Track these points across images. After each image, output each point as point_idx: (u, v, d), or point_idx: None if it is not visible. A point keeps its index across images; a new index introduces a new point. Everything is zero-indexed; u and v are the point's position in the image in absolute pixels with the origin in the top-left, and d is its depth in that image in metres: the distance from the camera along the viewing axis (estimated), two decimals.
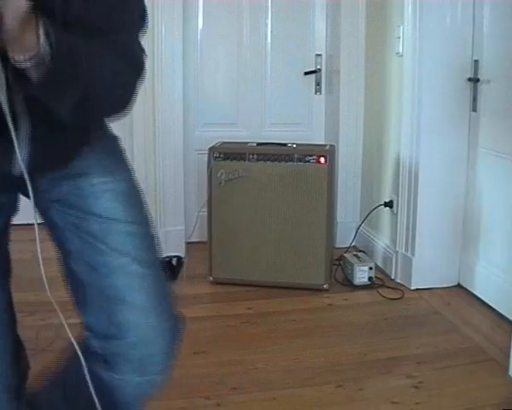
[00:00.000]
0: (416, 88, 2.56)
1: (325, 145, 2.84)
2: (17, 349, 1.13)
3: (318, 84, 3.37)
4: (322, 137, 3.39)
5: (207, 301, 2.59)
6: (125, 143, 3.56)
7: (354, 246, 3.12)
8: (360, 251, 2.95)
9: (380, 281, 2.72)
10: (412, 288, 2.65)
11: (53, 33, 0.82)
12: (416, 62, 2.54)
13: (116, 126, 3.92)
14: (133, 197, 1.13)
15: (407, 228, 2.69)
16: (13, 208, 1.12)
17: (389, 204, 2.84)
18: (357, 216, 3.27)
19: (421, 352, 2.10)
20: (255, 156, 2.60)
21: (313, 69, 3.34)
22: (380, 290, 2.63)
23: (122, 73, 0.97)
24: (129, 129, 3.47)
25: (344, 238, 3.14)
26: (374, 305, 2.52)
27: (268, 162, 2.59)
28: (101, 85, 0.94)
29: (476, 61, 2.48)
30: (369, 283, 2.67)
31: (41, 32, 0.80)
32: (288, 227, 2.60)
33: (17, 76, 0.83)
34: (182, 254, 3.00)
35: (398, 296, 2.58)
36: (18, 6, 0.75)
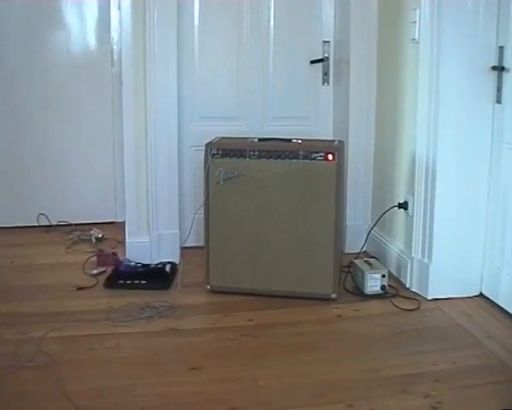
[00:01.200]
0: (434, 78, 2.54)
1: (333, 141, 2.82)
2: None
3: (326, 73, 3.35)
4: (330, 133, 3.37)
5: (204, 311, 2.57)
6: (113, 139, 3.59)
7: (365, 251, 3.10)
8: (372, 257, 2.94)
9: (393, 290, 2.71)
10: (429, 298, 2.63)
11: None
12: (433, 49, 2.52)
13: (103, 120, 3.93)
14: None
15: (423, 232, 2.67)
16: None
17: (403, 205, 2.82)
18: (368, 219, 3.26)
19: (440, 369, 2.08)
20: (256, 153, 2.58)
21: (320, 57, 3.32)
22: (393, 300, 2.61)
23: None
24: (118, 123, 3.49)
25: (354, 243, 3.13)
26: (387, 316, 2.50)
27: (271, 160, 2.57)
28: None
29: (501, 48, 2.46)
30: (381, 292, 2.65)
31: None
32: (292, 231, 2.59)
33: None
34: (176, 260, 2.99)
35: (414, 307, 2.56)
36: None
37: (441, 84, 2.52)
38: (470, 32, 2.49)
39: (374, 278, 2.66)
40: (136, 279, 2.77)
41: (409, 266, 2.75)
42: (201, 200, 2.68)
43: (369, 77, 3.15)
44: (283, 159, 2.56)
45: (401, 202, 2.84)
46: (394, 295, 2.66)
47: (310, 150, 2.55)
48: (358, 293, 2.69)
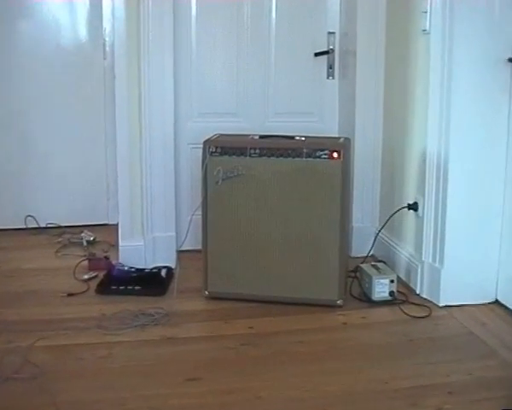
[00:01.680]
0: (446, 71, 2.53)
1: (339, 138, 2.82)
2: None
3: (331, 66, 3.35)
4: (335, 129, 3.38)
5: (202, 319, 2.57)
6: (105, 136, 3.59)
7: (373, 255, 3.10)
8: (380, 261, 2.94)
9: (403, 296, 2.71)
10: (441, 304, 2.63)
11: None
12: (445, 41, 2.52)
13: (95, 116, 3.92)
14: None
15: (434, 234, 2.66)
16: None
17: (413, 206, 2.82)
18: (375, 220, 3.26)
19: (453, 380, 2.07)
20: (257, 151, 2.58)
21: (325, 50, 3.32)
22: (403, 307, 2.60)
23: None
24: (110, 119, 3.48)
25: (361, 246, 3.12)
26: (396, 324, 2.50)
27: (272, 158, 2.57)
28: None
29: None
30: (390, 298, 2.65)
31: None
32: (295, 233, 2.58)
33: None
34: (172, 264, 2.99)
35: (425, 314, 2.56)
36: None
37: (454, 78, 2.51)
38: (485, 21, 2.48)
39: (382, 284, 2.65)
40: (130, 285, 2.77)
41: (419, 270, 2.74)
42: (199, 201, 2.67)
43: (376, 70, 3.15)
44: (286, 157, 2.56)
45: (411, 202, 2.84)
46: (404, 302, 2.65)
47: (314, 148, 2.54)
48: (365, 299, 2.68)
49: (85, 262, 3.08)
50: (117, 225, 3.13)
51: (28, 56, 3.63)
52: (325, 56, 3.33)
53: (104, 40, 3.72)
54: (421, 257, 2.74)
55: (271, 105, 3.34)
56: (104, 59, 3.73)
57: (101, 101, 3.74)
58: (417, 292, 2.75)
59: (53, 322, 2.45)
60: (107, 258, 3.09)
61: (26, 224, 3.68)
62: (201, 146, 2.63)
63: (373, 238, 3.06)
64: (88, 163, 3.80)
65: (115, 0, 2.91)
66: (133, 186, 3.03)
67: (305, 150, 2.55)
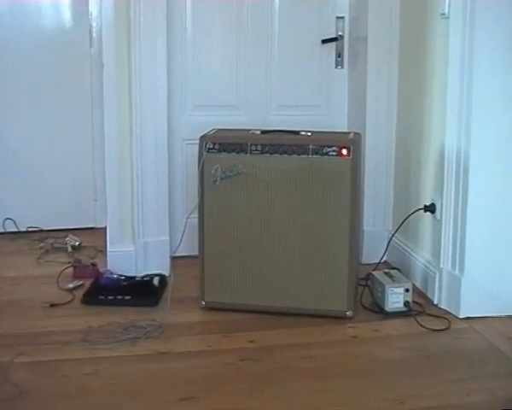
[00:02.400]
0: (467, 59, 2.53)
1: (348, 133, 2.82)
2: None
3: (339, 55, 3.35)
4: (344, 124, 3.38)
5: (198, 331, 2.57)
6: (92, 131, 3.58)
7: (385, 262, 3.10)
8: (393, 268, 2.93)
9: (419, 307, 2.70)
10: (461, 316, 2.63)
11: None
12: (465, 25, 2.52)
13: (81, 109, 3.91)
14: None
15: (454, 238, 2.66)
16: None
17: (430, 208, 2.82)
18: (389, 223, 3.26)
19: (474, 400, 2.07)
20: (259, 147, 2.58)
21: (333, 36, 3.32)
22: (419, 319, 2.60)
23: None
24: (98, 113, 3.48)
25: (372, 252, 3.12)
26: (411, 338, 2.49)
27: (275, 155, 2.57)
28: None
29: None
30: (404, 309, 2.65)
31: None
32: (300, 238, 2.58)
33: None
34: (166, 271, 2.99)
35: (443, 327, 2.56)
36: None
37: (475, 67, 2.51)
38: (510, 4, 2.47)
39: (396, 293, 2.65)
40: (120, 294, 2.76)
41: (437, 278, 2.74)
42: (195, 202, 2.67)
43: (390, 58, 3.15)
44: (290, 154, 2.56)
45: (428, 204, 2.84)
46: (420, 313, 2.65)
47: (321, 144, 2.54)
48: (378, 310, 2.68)
49: (70, 270, 3.07)
50: (105, 228, 3.13)
51: (4, 42, 3.63)
52: (333, 43, 3.33)
53: (90, 26, 3.72)
54: (439, 264, 2.74)
55: (274, 97, 3.34)
56: (91, 46, 3.73)
57: (88, 92, 3.74)
58: (435, 302, 2.74)
59: (34, 336, 2.44)
60: (93, 265, 3.09)
61: (4, 227, 3.68)
62: (197, 142, 2.63)
63: (386, 243, 3.05)
64: (73, 160, 3.80)
65: None
66: (123, 186, 3.03)
67: (311, 147, 2.54)
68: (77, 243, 3.48)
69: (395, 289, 2.65)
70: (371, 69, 3.16)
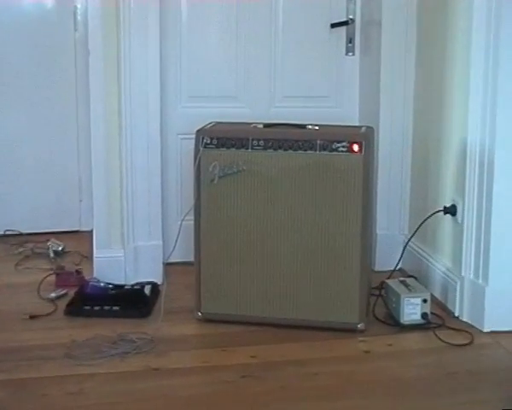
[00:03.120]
0: (492, 43, 2.53)
1: (360, 127, 2.82)
2: None
3: (350, 41, 3.36)
4: (355, 116, 3.39)
5: (194, 346, 2.57)
6: (77, 125, 3.57)
7: (401, 269, 3.10)
8: (410, 276, 2.94)
9: (438, 319, 2.70)
10: (485, 330, 2.62)
11: None
12: (491, 5, 2.51)
13: (65, 100, 3.90)
14: None
15: (477, 244, 2.66)
16: None
17: (451, 210, 2.82)
18: (404, 227, 3.27)
19: None
20: (261, 143, 2.58)
21: (344, 20, 3.33)
22: (438, 333, 2.60)
23: None
24: (83, 104, 3.47)
25: (386, 258, 3.13)
26: (430, 354, 2.49)
27: (279, 151, 2.57)
28: None
29: None
30: (422, 321, 2.65)
31: None
32: (307, 243, 2.58)
33: None
34: (158, 279, 2.99)
35: (466, 342, 2.56)
36: None
37: (501, 52, 2.51)
38: None
39: (412, 304, 2.65)
40: (107, 305, 2.77)
41: (458, 288, 2.74)
42: (191, 203, 2.67)
43: (406, 44, 3.15)
44: (296, 150, 2.56)
45: (448, 205, 2.84)
46: (439, 326, 2.65)
47: (330, 139, 2.54)
48: (392, 323, 2.68)
49: (52, 277, 3.08)
50: (91, 231, 3.13)
51: None
52: (344, 28, 3.34)
53: (75, 7, 3.73)
54: (460, 272, 2.74)
55: (278, 87, 3.34)
56: (75, 30, 3.73)
57: (72, 82, 3.74)
58: (456, 314, 2.74)
59: (12, 351, 2.44)
60: (78, 272, 3.09)
61: None
62: (193, 136, 2.63)
63: (401, 249, 3.05)
64: (56, 156, 3.80)
65: None
66: (111, 185, 3.03)
67: (318, 142, 2.54)
68: (60, 248, 3.48)
69: (411, 300, 2.65)
70: (385, 56, 3.16)
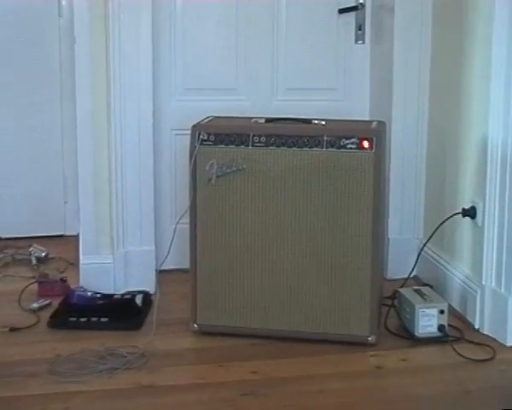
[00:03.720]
0: None
1: (371, 122, 2.82)
2: None
3: (360, 27, 3.36)
4: (365, 110, 3.39)
5: (190, 361, 2.57)
6: (62, 120, 3.56)
7: (415, 277, 3.10)
8: (425, 285, 2.94)
9: (456, 332, 2.70)
10: (508, 344, 2.62)
11: None
12: None
13: (48, 93, 3.89)
14: None
15: (499, 249, 2.66)
16: None
17: (470, 213, 2.82)
18: (419, 231, 3.27)
19: None
20: (263, 139, 2.58)
21: (353, 5, 3.33)
22: (457, 347, 2.59)
23: None
24: (68, 98, 3.47)
25: (399, 265, 3.13)
26: (447, 370, 2.49)
27: (283, 149, 2.57)
28: None
29: None
30: (439, 334, 2.64)
31: None
32: (313, 248, 2.59)
33: None
34: (151, 288, 2.99)
35: (487, 357, 2.55)
36: None
37: None
38: None
39: (428, 315, 2.64)
40: (95, 316, 2.77)
41: (478, 298, 2.74)
42: (186, 205, 2.67)
43: (421, 31, 3.15)
44: (300, 147, 2.56)
45: (467, 207, 2.84)
46: (458, 340, 2.65)
47: (338, 135, 2.54)
48: (406, 335, 2.69)
49: (35, 286, 3.07)
50: (77, 236, 3.13)
51: None
52: (353, 13, 3.34)
53: None
54: (480, 280, 2.74)
55: (282, 78, 3.34)
56: (59, 16, 3.73)
57: (56, 72, 3.74)
58: (476, 327, 2.74)
59: None
60: (63, 280, 3.09)
61: None
62: (189, 132, 2.63)
63: (416, 254, 3.06)
64: (39, 154, 3.80)
65: None
66: (99, 185, 3.03)
67: (325, 138, 2.55)
68: (43, 254, 3.48)
69: (427, 311, 2.65)
70: (399, 44, 3.16)
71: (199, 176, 2.61)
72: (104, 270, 3.03)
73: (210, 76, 3.28)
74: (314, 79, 3.35)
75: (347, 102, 3.38)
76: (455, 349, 2.57)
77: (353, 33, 3.36)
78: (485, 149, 2.70)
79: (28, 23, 3.70)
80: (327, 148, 2.55)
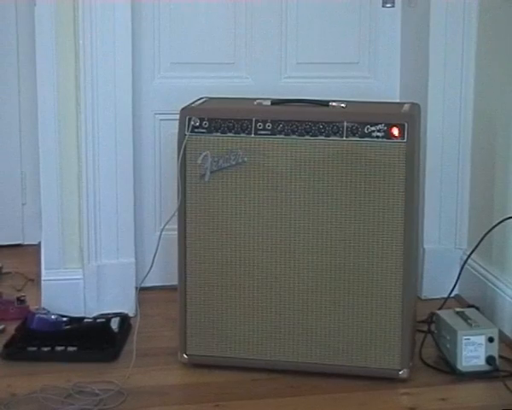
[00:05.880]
0: None
1: (402, 105, 2.82)
2: None
3: None
4: (395, 90, 3.40)
5: (178, 400, 2.57)
6: (19, 106, 3.59)
7: (458, 296, 3.11)
8: (470, 306, 2.94)
9: (509, 365, 2.71)
10: None
11: None
12: None
13: (3, 68, 3.90)
14: None
15: None
16: None
17: None
18: (462, 240, 3.28)
19: None
20: (269, 126, 2.59)
21: None
22: (510, 384, 2.59)
23: None
24: (27, 73, 3.48)
25: (437, 281, 3.15)
26: None
27: (292, 137, 2.58)
28: None
29: None
30: (487, 368, 2.65)
31: None
32: (329, 261, 2.59)
33: None
34: (130, 310, 3.00)
35: None
36: None
37: None
38: None
39: (474, 344, 2.65)
40: (60, 344, 2.77)
41: None
42: (173, 207, 2.68)
43: None
44: (315, 136, 2.57)
45: None
46: (511, 375, 2.65)
47: (361, 121, 2.55)
48: (446, 369, 2.69)
49: None
50: (38, 246, 3.13)
51: None
52: None
53: None
54: None
55: (291, 50, 3.35)
56: None
57: (13, 44, 3.75)
58: None
59: None
60: (20, 300, 3.10)
61: None
62: (177, 117, 2.64)
63: (458, 269, 3.06)
64: None
65: None
66: (66, 183, 3.04)
67: (345, 124, 2.55)
68: None
69: (472, 338, 2.65)
70: (437, 8, 3.16)
71: (189, 171, 2.62)
72: (72, 288, 3.04)
73: (203, 48, 3.29)
74: (332, 51, 3.36)
75: (373, 79, 3.40)
76: (507, 387, 2.57)
77: None
78: None
79: None
80: (347, 136, 2.55)
